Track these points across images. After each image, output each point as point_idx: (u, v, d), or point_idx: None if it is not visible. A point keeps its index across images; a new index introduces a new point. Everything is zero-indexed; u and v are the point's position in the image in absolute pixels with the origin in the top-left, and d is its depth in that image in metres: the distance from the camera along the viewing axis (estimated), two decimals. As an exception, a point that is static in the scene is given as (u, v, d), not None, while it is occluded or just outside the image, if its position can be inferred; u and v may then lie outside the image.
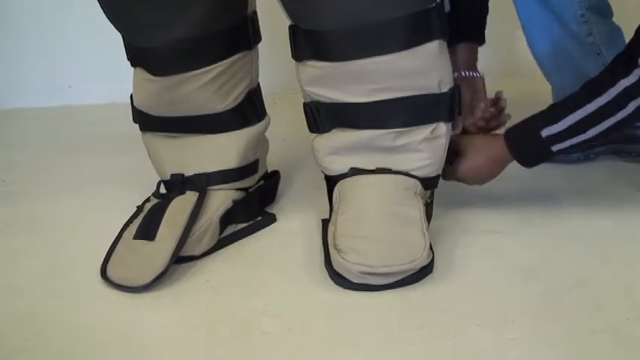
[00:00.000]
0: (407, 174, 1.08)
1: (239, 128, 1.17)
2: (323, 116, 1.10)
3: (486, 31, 1.27)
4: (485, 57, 1.32)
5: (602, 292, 0.96)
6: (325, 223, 1.12)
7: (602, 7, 1.30)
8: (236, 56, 1.14)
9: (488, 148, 1.12)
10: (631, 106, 1.00)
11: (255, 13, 1.19)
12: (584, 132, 1.03)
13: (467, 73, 1.23)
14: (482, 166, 1.12)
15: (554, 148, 1.06)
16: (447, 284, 1.00)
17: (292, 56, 1.10)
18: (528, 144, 1.07)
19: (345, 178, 1.10)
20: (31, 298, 1.04)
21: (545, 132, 1.05)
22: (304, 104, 1.13)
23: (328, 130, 1.11)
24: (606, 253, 1.06)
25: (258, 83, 1.23)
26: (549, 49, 1.31)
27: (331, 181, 1.13)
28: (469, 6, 1.24)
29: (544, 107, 1.10)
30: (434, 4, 1.04)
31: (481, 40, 1.27)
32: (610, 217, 1.15)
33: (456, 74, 1.21)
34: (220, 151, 1.17)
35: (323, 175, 1.16)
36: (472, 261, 1.05)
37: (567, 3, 1.27)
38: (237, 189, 1.19)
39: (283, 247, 1.13)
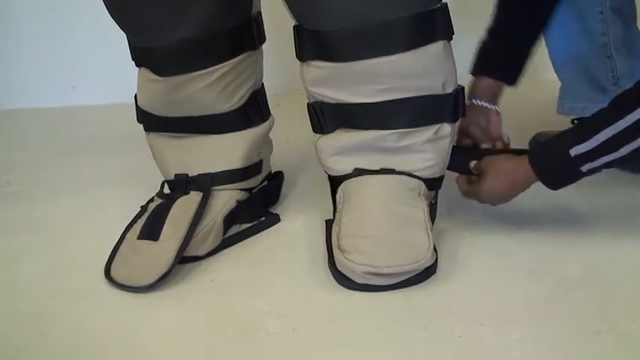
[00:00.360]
0: (411, 174, 1.09)
1: (243, 129, 1.17)
2: (327, 117, 1.10)
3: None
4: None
5: (605, 292, 0.96)
6: (329, 223, 1.12)
7: (625, 11, 1.26)
8: (241, 56, 1.14)
9: (511, 172, 1.07)
10: None
11: (259, 13, 1.19)
12: (615, 150, 0.97)
13: (483, 103, 1.21)
14: (505, 189, 1.08)
15: (585, 167, 0.99)
16: (451, 285, 1.00)
17: (296, 57, 1.10)
18: (556, 165, 1.01)
19: (349, 178, 1.10)
20: (32, 298, 1.04)
21: (574, 151, 0.98)
22: (308, 105, 1.13)
23: (332, 131, 1.11)
24: (610, 254, 1.06)
25: (263, 84, 1.23)
26: (563, 41, 1.29)
27: (335, 182, 1.13)
28: (511, 45, 1.21)
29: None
30: (438, 5, 1.04)
31: (512, 82, 1.23)
32: (614, 219, 1.16)
33: (473, 101, 1.20)
34: (224, 152, 1.17)
35: (327, 176, 1.16)
36: (476, 261, 1.05)
37: None
38: (241, 189, 1.19)
39: (287, 248, 1.13)
